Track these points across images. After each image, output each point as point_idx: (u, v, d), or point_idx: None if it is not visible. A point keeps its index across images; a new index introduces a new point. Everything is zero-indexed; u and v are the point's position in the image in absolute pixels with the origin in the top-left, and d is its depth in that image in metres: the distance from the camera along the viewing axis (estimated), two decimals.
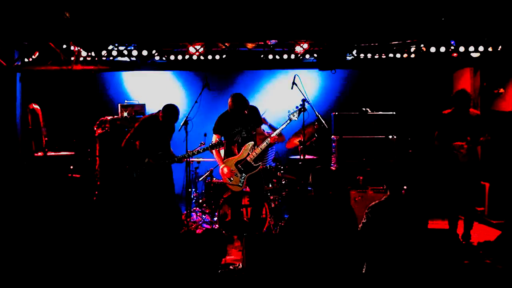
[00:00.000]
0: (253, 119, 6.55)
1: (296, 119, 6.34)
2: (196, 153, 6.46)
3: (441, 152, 6.54)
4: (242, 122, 6.45)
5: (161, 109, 6.47)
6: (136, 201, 6.56)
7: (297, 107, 6.34)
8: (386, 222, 4.57)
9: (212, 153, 6.52)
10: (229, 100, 6.39)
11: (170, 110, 6.44)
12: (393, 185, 4.68)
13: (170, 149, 6.65)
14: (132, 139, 6.50)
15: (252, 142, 6.42)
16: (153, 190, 6.51)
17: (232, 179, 6.39)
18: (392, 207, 4.61)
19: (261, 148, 6.38)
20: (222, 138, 6.42)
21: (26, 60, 7.81)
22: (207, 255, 3.83)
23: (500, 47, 7.50)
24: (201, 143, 7.04)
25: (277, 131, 6.34)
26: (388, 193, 4.71)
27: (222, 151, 6.55)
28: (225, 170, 6.38)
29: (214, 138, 6.45)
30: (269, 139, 6.34)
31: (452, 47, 7.54)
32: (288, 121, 6.31)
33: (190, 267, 3.84)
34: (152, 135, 6.49)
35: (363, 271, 4.57)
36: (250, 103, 6.61)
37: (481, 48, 7.53)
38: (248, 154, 6.39)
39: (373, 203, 4.71)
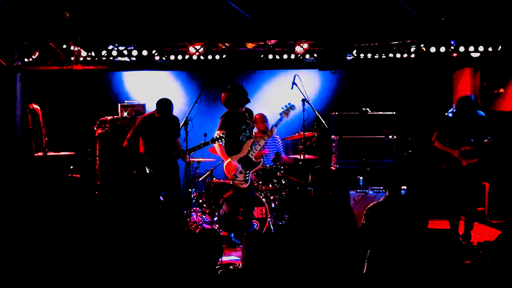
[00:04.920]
0: (251, 120, 6.73)
1: (287, 118, 6.68)
2: (197, 148, 6.48)
3: (441, 152, 6.54)
4: (246, 121, 6.52)
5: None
6: (137, 201, 6.57)
7: (286, 106, 6.63)
8: (385, 222, 4.57)
9: (214, 149, 6.58)
10: (229, 90, 6.56)
11: (161, 103, 6.53)
12: (392, 185, 4.68)
13: (176, 147, 6.64)
14: (132, 139, 6.52)
15: (252, 140, 6.51)
16: (156, 188, 6.51)
17: (237, 176, 6.40)
18: (391, 208, 4.61)
19: (260, 145, 6.63)
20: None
21: (26, 60, 7.79)
22: (203, 254, 3.83)
23: (500, 47, 7.49)
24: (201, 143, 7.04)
25: (274, 129, 6.64)
26: (387, 193, 4.71)
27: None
28: (231, 166, 6.39)
29: (217, 134, 6.45)
30: (266, 136, 6.65)
31: (452, 47, 7.54)
32: (280, 120, 6.63)
33: (187, 267, 3.84)
34: (151, 132, 6.51)
35: (364, 272, 4.57)
36: (250, 103, 6.65)
37: (481, 48, 7.53)
38: (249, 151, 6.47)
39: (372, 204, 4.71)
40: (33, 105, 8.00)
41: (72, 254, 5.39)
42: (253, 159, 6.51)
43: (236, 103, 6.54)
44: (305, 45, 7.72)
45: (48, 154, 7.72)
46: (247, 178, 6.46)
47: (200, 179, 7.85)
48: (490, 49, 7.53)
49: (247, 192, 6.57)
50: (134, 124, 6.68)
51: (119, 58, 7.68)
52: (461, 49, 7.52)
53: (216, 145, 6.43)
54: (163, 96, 6.76)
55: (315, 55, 7.73)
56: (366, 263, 4.59)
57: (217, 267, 5.27)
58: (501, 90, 8.17)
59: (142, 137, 6.56)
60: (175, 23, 7.22)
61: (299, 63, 7.85)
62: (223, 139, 6.40)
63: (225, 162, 6.46)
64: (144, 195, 6.55)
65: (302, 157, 7.04)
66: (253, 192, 6.68)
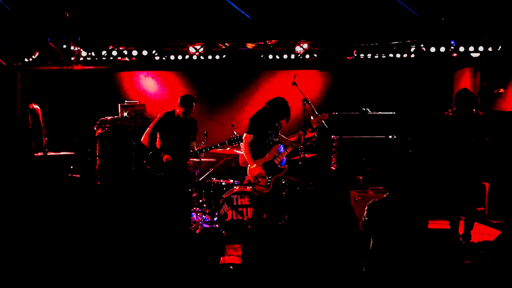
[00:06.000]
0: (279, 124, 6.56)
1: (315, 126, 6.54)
2: (214, 148, 6.45)
3: (442, 153, 6.54)
4: (276, 126, 6.41)
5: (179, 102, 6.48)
6: (140, 199, 6.56)
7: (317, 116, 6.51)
8: (385, 222, 4.57)
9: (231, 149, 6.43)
10: (273, 103, 6.32)
11: (186, 95, 6.46)
12: (392, 185, 4.68)
13: (190, 148, 6.58)
14: (152, 134, 6.47)
15: (279, 144, 6.42)
16: (166, 188, 6.48)
17: (259, 180, 6.33)
18: (391, 208, 4.61)
19: (287, 151, 6.46)
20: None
21: (26, 60, 7.80)
22: (205, 254, 3.83)
23: (500, 47, 7.50)
24: (201, 143, 7.03)
25: (303, 137, 6.44)
26: (388, 193, 4.70)
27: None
28: (255, 170, 6.33)
29: (250, 138, 6.32)
30: (294, 143, 6.46)
31: (452, 47, 7.54)
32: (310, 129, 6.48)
33: (189, 266, 3.85)
34: (169, 130, 6.45)
35: (363, 271, 4.57)
36: (250, 103, 6.62)
37: (481, 48, 7.54)
38: (275, 156, 6.37)
39: (372, 201, 4.70)
40: (33, 105, 7.99)
41: (73, 254, 5.39)
42: (278, 165, 6.37)
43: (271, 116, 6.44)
44: (305, 45, 7.73)
45: (48, 154, 7.72)
46: (268, 183, 6.37)
47: (200, 179, 7.85)
48: (490, 49, 7.54)
49: (268, 197, 6.47)
50: (154, 119, 6.62)
51: (119, 58, 7.69)
52: (461, 49, 7.53)
53: (242, 148, 6.36)
54: (163, 96, 6.75)
55: (315, 55, 7.74)
56: (366, 263, 4.60)
57: (218, 266, 5.28)
58: (501, 90, 8.18)
59: (160, 133, 6.52)
60: (175, 23, 7.23)
61: (299, 63, 7.86)
62: (239, 141, 6.30)
63: (251, 167, 6.38)
64: (152, 193, 6.51)
65: (302, 157, 7.03)
66: (275, 197, 6.46)
